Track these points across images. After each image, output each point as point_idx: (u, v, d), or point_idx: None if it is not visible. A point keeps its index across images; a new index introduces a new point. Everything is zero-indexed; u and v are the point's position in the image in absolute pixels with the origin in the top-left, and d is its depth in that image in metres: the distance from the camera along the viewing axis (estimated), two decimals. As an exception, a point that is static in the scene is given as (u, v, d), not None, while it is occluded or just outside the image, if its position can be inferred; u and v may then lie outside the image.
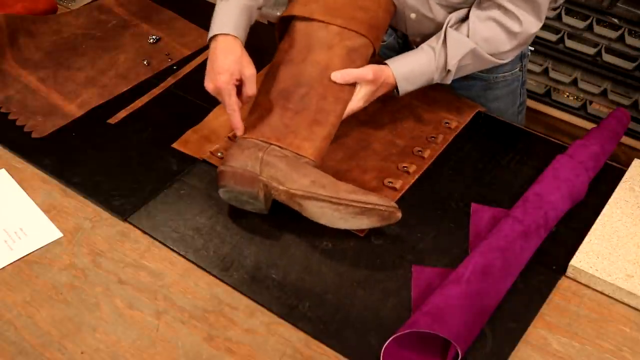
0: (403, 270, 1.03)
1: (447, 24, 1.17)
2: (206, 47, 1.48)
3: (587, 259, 1.01)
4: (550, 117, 2.19)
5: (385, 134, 1.25)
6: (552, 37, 2.10)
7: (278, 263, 1.04)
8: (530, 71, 2.16)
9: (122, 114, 1.31)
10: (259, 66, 1.12)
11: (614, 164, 1.20)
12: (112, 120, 1.30)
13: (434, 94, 1.33)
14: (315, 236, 1.07)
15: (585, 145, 1.16)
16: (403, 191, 1.15)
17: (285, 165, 1.05)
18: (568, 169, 1.11)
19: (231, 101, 1.07)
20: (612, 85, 2.10)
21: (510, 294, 0.98)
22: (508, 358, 0.92)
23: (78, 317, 0.97)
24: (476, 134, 1.27)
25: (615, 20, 2.02)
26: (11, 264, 1.04)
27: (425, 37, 1.22)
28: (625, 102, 2.07)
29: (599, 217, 1.08)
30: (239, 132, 1.09)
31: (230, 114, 1.08)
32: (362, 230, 1.07)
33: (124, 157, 1.22)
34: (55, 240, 1.08)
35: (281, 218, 1.09)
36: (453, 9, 1.19)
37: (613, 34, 2.01)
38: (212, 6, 1.64)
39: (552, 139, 1.27)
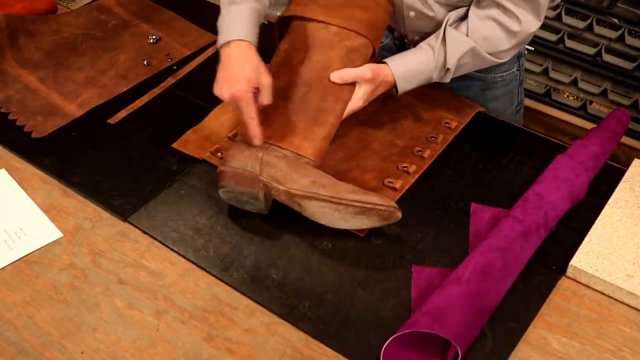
0: (403, 270, 1.03)
1: (446, 22, 1.17)
2: (206, 47, 1.49)
3: (587, 259, 1.01)
4: (550, 117, 2.19)
5: (385, 134, 1.25)
6: (552, 37, 2.10)
7: (278, 263, 1.04)
8: (530, 71, 2.16)
9: (122, 114, 1.31)
10: (259, 66, 1.12)
11: (614, 164, 1.20)
12: (112, 120, 1.30)
13: (434, 94, 1.33)
14: (315, 236, 1.07)
15: (585, 145, 1.16)
16: (403, 191, 1.15)
17: (285, 165, 1.05)
18: (568, 169, 1.11)
19: (250, 110, 1.05)
20: (612, 85, 2.10)
21: (510, 294, 0.98)
22: (508, 358, 0.92)
23: (78, 317, 0.97)
24: (476, 134, 1.27)
25: (615, 20, 2.02)
26: (11, 264, 1.04)
27: (424, 36, 1.22)
28: (625, 102, 2.07)
29: (599, 217, 1.08)
30: (258, 141, 1.06)
31: (249, 122, 1.06)
32: (362, 230, 1.07)
33: (124, 157, 1.22)
34: (55, 240, 1.08)
35: (281, 218, 1.09)
36: (452, 7, 1.19)
37: (613, 34, 2.01)
38: (212, 6, 1.65)
39: (552, 139, 1.27)
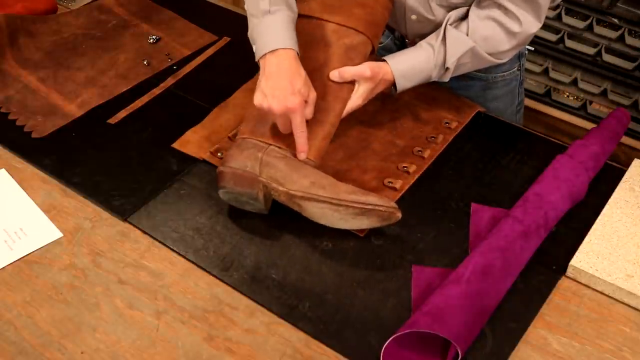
0: (403, 271, 1.03)
1: (447, 21, 1.17)
2: (206, 47, 1.49)
3: (587, 259, 1.01)
4: (550, 117, 2.19)
5: (385, 134, 1.25)
6: (552, 37, 2.10)
7: (278, 263, 1.04)
8: (530, 71, 2.16)
9: (122, 114, 1.31)
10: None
11: (614, 164, 1.20)
12: (112, 120, 1.30)
13: (434, 94, 1.33)
14: (315, 236, 1.07)
15: (585, 145, 1.16)
16: (403, 191, 1.14)
17: (284, 165, 1.05)
18: (568, 169, 1.11)
19: (303, 123, 1.04)
20: (612, 85, 2.10)
21: (510, 294, 0.98)
22: (508, 358, 0.92)
23: (78, 317, 0.97)
24: (476, 134, 1.27)
25: (615, 20, 2.02)
26: (11, 264, 1.04)
27: (425, 38, 1.22)
28: (625, 102, 2.07)
29: (599, 217, 1.08)
30: (304, 155, 1.06)
31: (300, 135, 1.05)
32: (362, 230, 1.07)
33: (124, 157, 1.22)
34: (55, 240, 1.08)
35: (281, 218, 1.09)
36: (454, 9, 1.19)
37: (613, 34, 2.01)
38: (212, 6, 1.66)
39: (552, 139, 1.27)
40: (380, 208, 1.01)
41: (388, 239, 1.07)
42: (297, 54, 1.07)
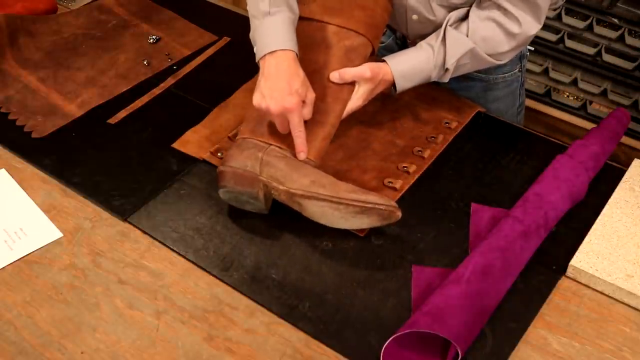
0: (403, 270, 1.03)
1: (447, 22, 1.17)
2: (206, 47, 1.49)
3: (587, 259, 1.01)
4: (550, 117, 2.19)
5: (385, 134, 1.25)
6: (552, 37, 2.10)
7: (278, 263, 1.04)
8: (530, 71, 2.16)
9: (122, 114, 1.31)
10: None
11: (614, 164, 1.20)
12: (112, 120, 1.30)
13: (434, 94, 1.33)
14: (315, 236, 1.07)
15: (585, 145, 1.16)
16: (403, 191, 1.14)
17: (285, 165, 1.05)
18: (568, 169, 1.11)
19: (300, 123, 1.05)
20: (612, 85, 2.10)
21: (510, 294, 0.98)
22: (508, 358, 0.92)
23: (78, 317, 0.97)
24: (476, 134, 1.27)
25: (615, 20, 2.02)
26: (11, 264, 1.04)
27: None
28: (625, 102, 2.07)
29: (599, 217, 1.08)
30: (304, 155, 1.06)
31: (298, 135, 1.05)
32: (362, 230, 1.07)
33: (124, 157, 1.22)
34: (55, 240, 1.08)
35: (281, 218, 1.09)
36: (455, 10, 1.19)
37: (613, 34, 2.01)
38: (212, 6, 1.66)
39: (552, 139, 1.27)
40: (381, 207, 1.01)
41: (388, 239, 1.07)
42: (297, 55, 1.07)
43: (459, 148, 1.24)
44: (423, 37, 1.23)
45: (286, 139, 1.08)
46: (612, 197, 1.11)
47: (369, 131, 1.25)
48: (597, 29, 2.03)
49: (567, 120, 2.17)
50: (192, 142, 1.23)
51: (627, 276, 0.99)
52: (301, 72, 1.06)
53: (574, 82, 2.15)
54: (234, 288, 1.01)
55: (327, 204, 1.02)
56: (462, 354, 0.88)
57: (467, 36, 1.16)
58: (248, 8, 1.12)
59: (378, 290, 1.00)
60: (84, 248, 1.07)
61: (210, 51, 1.48)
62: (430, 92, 1.33)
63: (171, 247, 1.06)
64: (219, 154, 1.20)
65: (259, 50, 1.08)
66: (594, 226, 1.06)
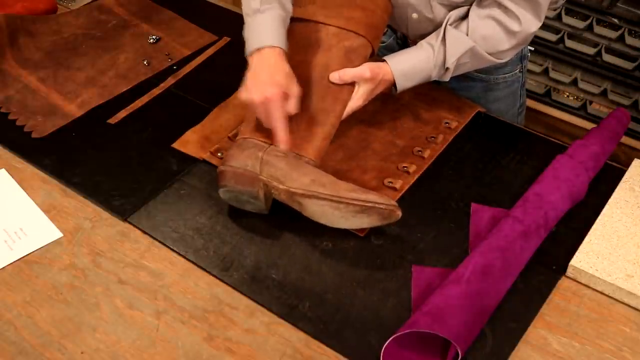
0: (403, 270, 1.03)
1: (447, 21, 1.17)
2: (206, 47, 1.49)
3: (587, 259, 1.01)
4: (550, 117, 2.19)
5: (385, 134, 1.25)
6: (552, 37, 2.10)
7: (278, 263, 1.04)
8: (530, 71, 2.16)
9: (122, 114, 1.31)
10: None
11: (614, 164, 1.20)
12: (112, 120, 1.30)
13: (434, 94, 1.33)
14: (315, 236, 1.07)
15: (585, 145, 1.16)
16: (403, 191, 1.14)
17: (285, 164, 1.05)
18: (568, 169, 1.11)
19: (279, 114, 1.05)
20: (612, 85, 2.10)
21: (510, 294, 0.98)
22: (508, 358, 0.92)
23: (78, 317, 0.97)
24: (476, 134, 1.27)
25: (615, 20, 2.02)
26: (11, 264, 1.04)
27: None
28: (625, 102, 2.07)
29: (599, 217, 1.08)
30: (284, 145, 1.06)
31: (278, 126, 1.06)
32: (362, 230, 1.07)
33: (124, 157, 1.22)
34: (55, 240, 1.08)
35: (281, 218, 1.09)
36: (455, 9, 1.19)
37: (613, 34, 2.01)
38: (212, 6, 1.66)
39: (552, 139, 1.27)
40: (381, 206, 1.01)
41: (388, 239, 1.07)
42: (284, 52, 1.08)
43: (459, 148, 1.24)
44: (423, 36, 1.23)
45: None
46: (612, 197, 1.11)
47: (369, 131, 1.25)
48: (597, 29, 2.03)
49: (567, 120, 2.17)
50: (192, 142, 1.23)
51: (627, 276, 0.99)
52: (286, 67, 1.07)
53: (574, 82, 2.15)
54: (234, 288, 1.01)
55: (327, 203, 1.02)
56: (462, 354, 0.88)
57: (467, 35, 1.16)
58: (242, 7, 1.14)
59: (378, 290, 1.00)
60: (84, 248, 1.07)
61: (210, 51, 1.48)
62: (431, 92, 1.33)
63: (171, 247, 1.06)
64: (219, 154, 1.20)
65: (248, 47, 1.10)
66: (594, 226, 1.06)
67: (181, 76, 1.41)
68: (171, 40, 1.50)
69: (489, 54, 1.18)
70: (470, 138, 1.26)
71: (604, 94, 2.10)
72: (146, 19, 1.56)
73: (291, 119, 1.10)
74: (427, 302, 0.93)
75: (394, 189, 1.14)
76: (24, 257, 1.05)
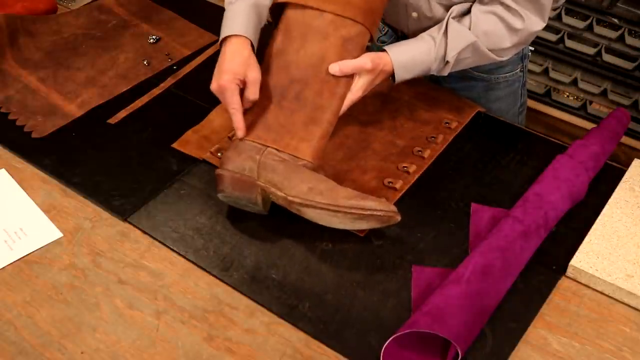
0: (403, 271, 1.03)
1: (450, 15, 1.16)
2: (206, 47, 1.49)
3: (587, 259, 1.01)
4: (550, 117, 2.19)
5: (385, 134, 1.25)
6: (552, 37, 2.10)
7: (278, 263, 1.04)
8: (530, 71, 2.16)
9: (122, 114, 1.31)
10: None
11: (614, 164, 1.20)
12: (112, 120, 1.30)
13: (434, 94, 1.33)
14: (315, 237, 1.07)
15: (585, 145, 1.16)
16: (403, 191, 1.14)
17: (283, 169, 1.04)
18: (568, 169, 1.11)
19: (233, 100, 1.06)
20: (612, 85, 2.10)
21: (510, 294, 0.98)
22: (508, 358, 0.92)
23: (78, 317, 0.97)
24: (476, 134, 1.27)
25: (615, 20, 2.02)
26: (11, 264, 1.04)
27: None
28: (625, 102, 2.07)
29: (599, 217, 1.08)
30: (241, 132, 1.07)
31: (233, 112, 1.06)
32: (362, 231, 1.07)
33: (124, 157, 1.22)
34: (55, 240, 1.08)
35: (281, 218, 1.09)
36: (454, 6, 1.19)
37: (613, 34, 2.01)
38: (212, 6, 1.66)
39: (552, 139, 1.27)
40: (379, 213, 1.00)
41: (388, 239, 1.07)
42: (250, 40, 1.10)
43: (459, 148, 1.24)
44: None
45: (283, 139, 1.07)
46: (612, 197, 1.11)
47: (369, 131, 1.25)
48: (597, 29, 2.03)
49: (567, 120, 2.17)
50: (192, 142, 1.23)
51: (627, 276, 0.99)
52: (245, 52, 1.08)
53: (574, 82, 2.15)
54: (234, 288, 1.01)
55: (325, 212, 1.01)
56: (462, 354, 0.88)
57: (469, 29, 1.15)
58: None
59: (378, 290, 1.00)
60: (84, 248, 1.07)
61: (210, 51, 1.48)
62: (431, 92, 1.33)
63: (171, 247, 1.06)
64: (219, 154, 1.19)
65: (221, 36, 1.12)
66: (594, 226, 1.06)
67: (181, 76, 1.41)
68: (171, 40, 1.50)
69: (490, 50, 1.17)
70: (470, 138, 1.26)
71: (604, 94, 2.10)
72: (146, 19, 1.56)
73: (288, 118, 1.09)
74: (427, 302, 0.93)
75: (394, 189, 1.14)
76: (24, 257, 1.05)
